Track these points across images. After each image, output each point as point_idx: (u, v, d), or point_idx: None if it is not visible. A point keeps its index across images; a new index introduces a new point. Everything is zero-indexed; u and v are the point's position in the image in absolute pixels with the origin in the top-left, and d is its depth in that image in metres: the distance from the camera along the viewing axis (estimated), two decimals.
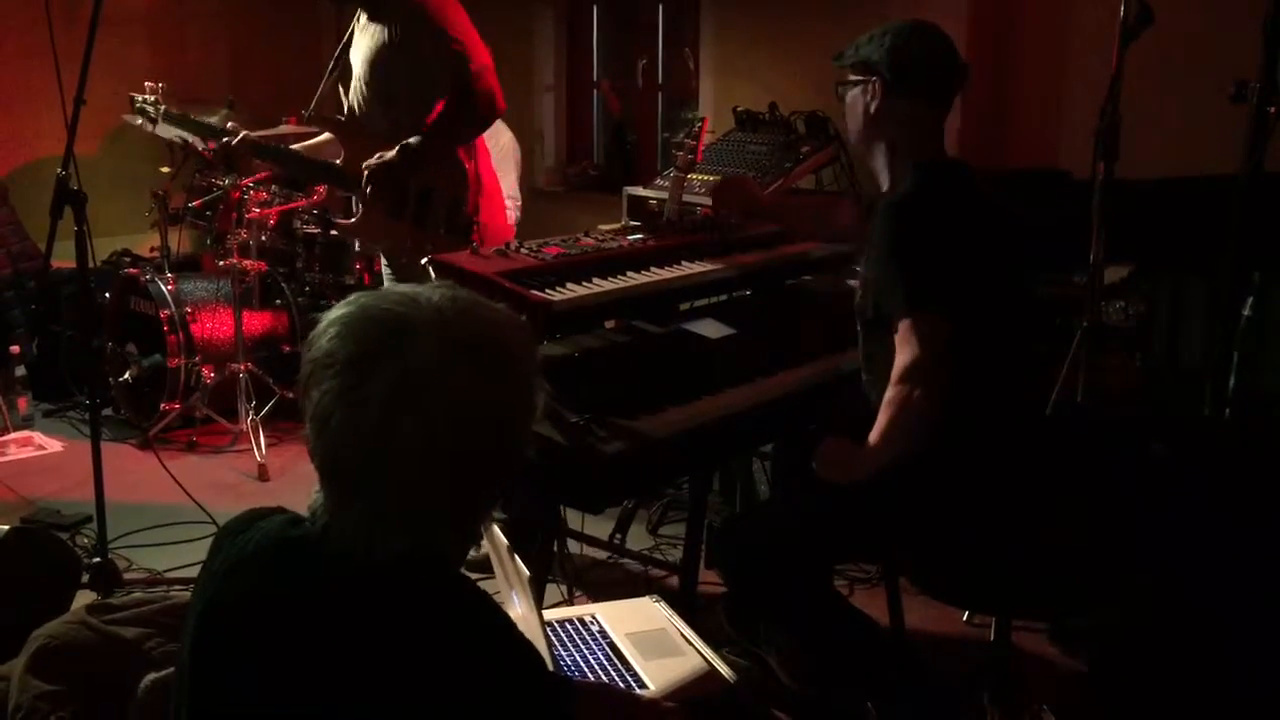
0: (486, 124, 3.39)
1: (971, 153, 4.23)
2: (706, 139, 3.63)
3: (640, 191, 4.32)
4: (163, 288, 4.52)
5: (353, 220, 3.45)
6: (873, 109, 2.33)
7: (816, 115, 4.19)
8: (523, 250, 2.65)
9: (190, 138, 4.58)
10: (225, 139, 3.59)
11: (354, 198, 3.46)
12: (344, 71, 3.51)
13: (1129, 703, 2.73)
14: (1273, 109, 2.61)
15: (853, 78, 2.37)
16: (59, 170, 2.91)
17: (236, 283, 4.41)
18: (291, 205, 4.72)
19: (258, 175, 4.61)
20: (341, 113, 3.57)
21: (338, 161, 3.47)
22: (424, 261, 2.53)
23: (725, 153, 4.28)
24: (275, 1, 6.53)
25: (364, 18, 3.41)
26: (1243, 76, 2.66)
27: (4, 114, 5.52)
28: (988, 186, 2.43)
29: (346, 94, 3.49)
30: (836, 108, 2.48)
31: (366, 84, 3.38)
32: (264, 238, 4.62)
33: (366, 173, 3.29)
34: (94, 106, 2.98)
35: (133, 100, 3.80)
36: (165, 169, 4.77)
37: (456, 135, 3.33)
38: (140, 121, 3.87)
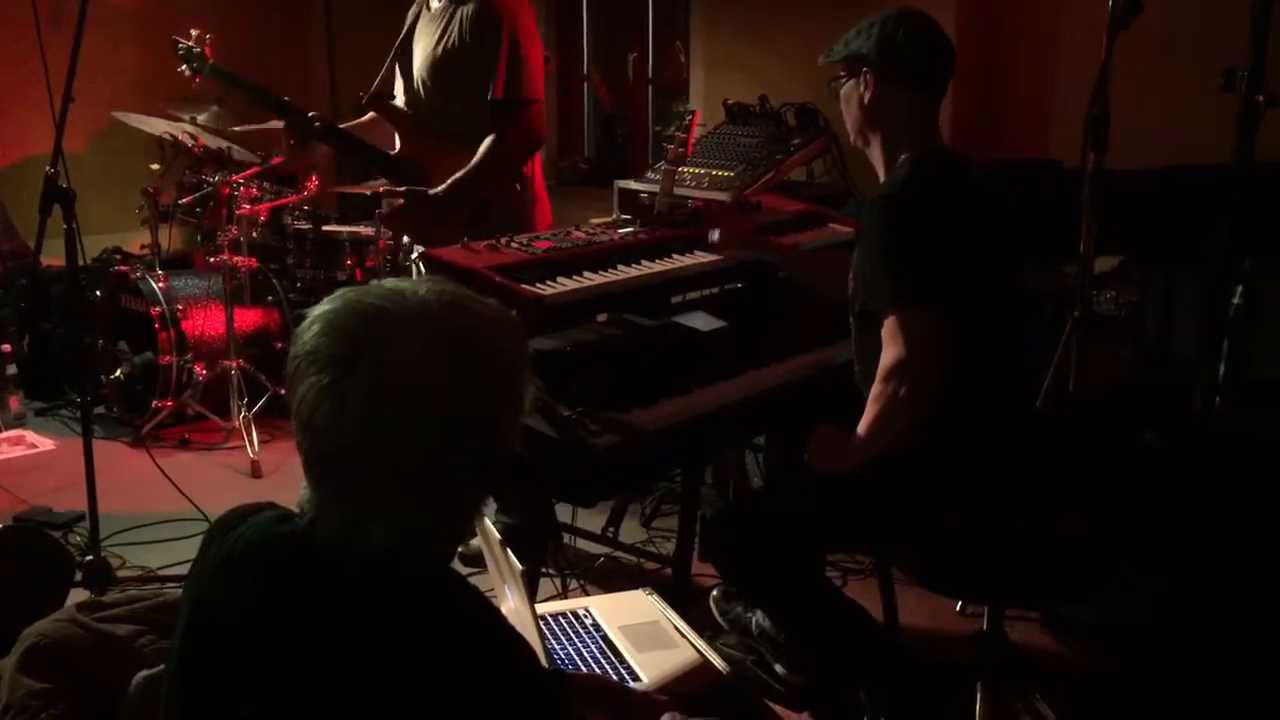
0: (524, 160, 3.31)
1: (963, 144, 4.22)
2: (697, 132, 3.62)
3: (631, 185, 4.33)
4: (154, 285, 4.51)
5: (397, 214, 3.30)
6: (867, 100, 2.33)
7: (807, 107, 4.20)
8: (513, 244, 2.65)
9: (179, 134, 4.57)
10: (290, 111, 3.35)
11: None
12: (404, 57, 3.42)
13: (1124, 692, 2.74)
14: (1262, 97, 2.61)
15: (843, 74, 2.37)
16: (48, 168, 2.90)
17: (227, 279, 4.40)
18: (282, 201, 4.71)
19: (248, 171, 4.60)
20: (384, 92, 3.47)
21: (393, 152, 3.38)
22: (414, 256, 2.53)
23: (716, 146, 4.27)
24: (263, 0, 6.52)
25: (433, 4, 3.33)
26: (1232, 65, 2.66)
27: None
28: (986, 174, 2.43)
29: (407, 81, 3.41)
30: (827, 99, 2.48)
31: (428, 77, 3.30)
32: (255, 234, 4.61)
33: (403, 198, 3.19)
34: (83, 104, 2.97)
35: (176, 44, 3.47)
36: (155, 166, 4.76)
37: (492, 178, 3.24)
38: (183, 69, 3.50)
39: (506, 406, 1.22)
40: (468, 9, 3.21)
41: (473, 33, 3.19)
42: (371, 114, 3.46)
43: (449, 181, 3.17)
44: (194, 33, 3.45)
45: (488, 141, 3.17)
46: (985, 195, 2.37)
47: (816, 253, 2.93)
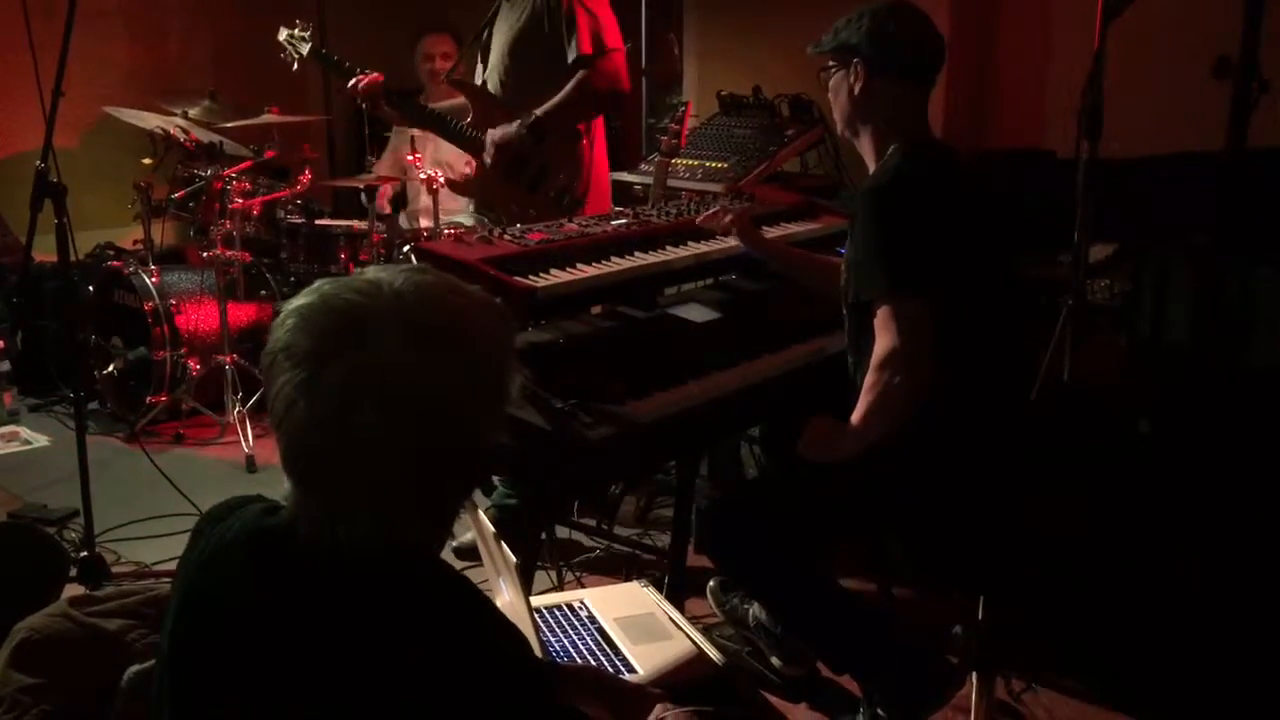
0: (608, 106, 3.50)
1: (956, 133, 4.23)
2: (690, 123, 3.61)
3: (625, 176, 4.31)
4: (147, 280, 4.50)
5: (469, 179, 3.56)
6: (856, 91, 2.33)
7: (801, 98, 4.18)
8: (506, 236, 2.64)
9: (171, 128, 4.56)
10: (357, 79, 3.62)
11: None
12: (486, 41, 3.62)
13: (1112, 681, 2.74)
14: (1255, 85, 2.61)
15: (832, 64, 2.38)
16: (38, 163, 2.89)
17: (221, 274, 4.39)
18: (275, 195, 4.70)
19: (240, 166, 4.58)
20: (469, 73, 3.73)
21: (466, 122, 3.58)
22: (405, 249, 2.53)
23: (709, 137, 4.26)
24: None
25: None
26: (1224, 53, 2.66)
27: None
28: (973, 167, 2.43)
29: (485, 65, 3.61)
30: (821, 90, 2.48)
31: (507, 55, 3.50)
32: (248, 228, 4.60)
33: (491, 146, 3.40)
34: (74, 99, 2.95)
35: (280, 32, 3.82)
36: (147, 160, 4.74)
37: (576, 113, 3.43)
38: (284, 55, 3.90)
39: (488, 399, 1.19)
40: None
41: (550, 21, 3.40)
42: (461, 99, 3.72)
43: (536, 113, 3.36)
44: (298, 21, 3.83)
45: (574, 79, 3.36)
46: (974, 185, 2.37)
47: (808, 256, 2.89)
